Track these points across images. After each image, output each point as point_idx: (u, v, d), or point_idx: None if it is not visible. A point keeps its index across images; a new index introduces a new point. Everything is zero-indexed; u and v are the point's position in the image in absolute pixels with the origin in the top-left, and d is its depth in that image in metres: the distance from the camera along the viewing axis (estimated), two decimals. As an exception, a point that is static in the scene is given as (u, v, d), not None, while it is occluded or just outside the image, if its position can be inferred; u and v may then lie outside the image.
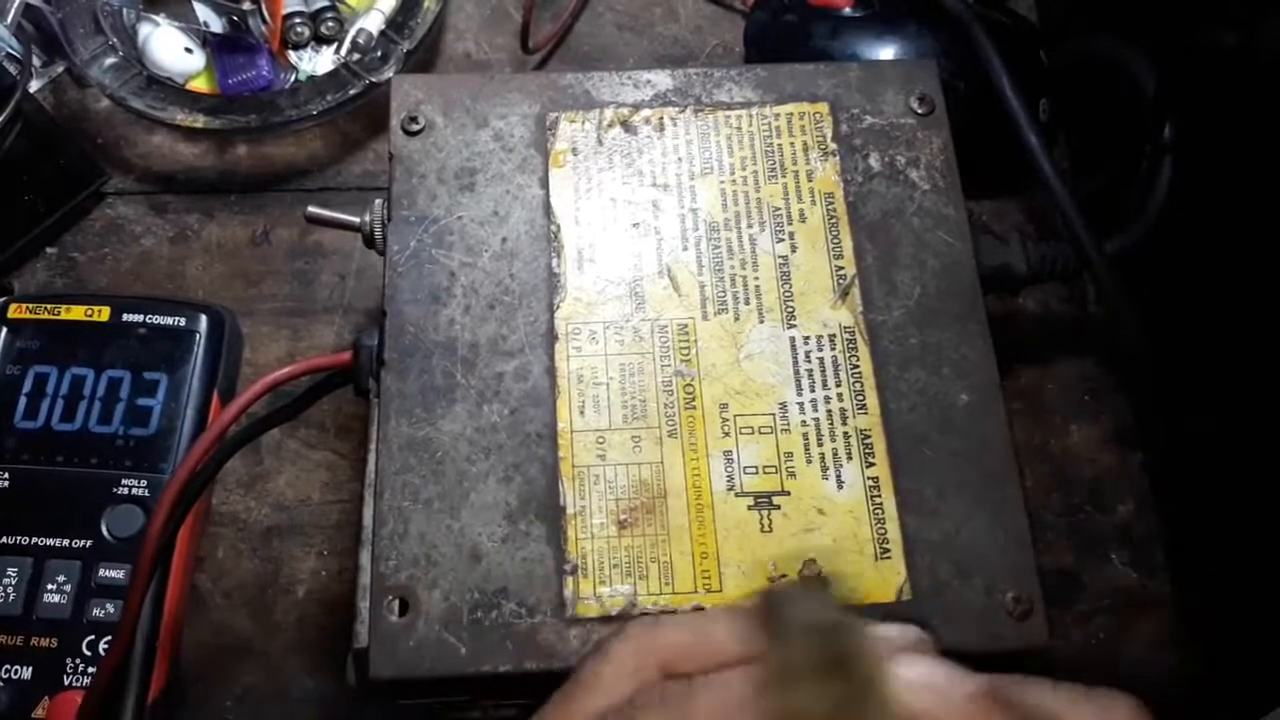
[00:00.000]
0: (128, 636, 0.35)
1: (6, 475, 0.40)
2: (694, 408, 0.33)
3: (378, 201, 0.37)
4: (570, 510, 0.31)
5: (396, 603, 0.30)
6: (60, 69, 0.52)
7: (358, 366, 0.35)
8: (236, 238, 0.49)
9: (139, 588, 0.35)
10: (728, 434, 0.33)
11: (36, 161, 0.46)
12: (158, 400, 0.42)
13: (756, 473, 0.32)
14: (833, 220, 0.36)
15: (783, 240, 0.36)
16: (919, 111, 0.38)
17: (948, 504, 0.32)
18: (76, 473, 0.40)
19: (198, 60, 0.50)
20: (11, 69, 0.44)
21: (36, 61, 0.51)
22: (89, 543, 0.39)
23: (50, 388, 0.42)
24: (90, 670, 0.37)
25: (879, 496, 0.32)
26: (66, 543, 0.39)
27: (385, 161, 0.38)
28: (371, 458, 0.33)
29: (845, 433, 0.33)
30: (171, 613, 0.39)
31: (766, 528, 0.31)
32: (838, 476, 0.32)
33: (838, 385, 0.33)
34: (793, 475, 0.32)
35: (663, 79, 0.38)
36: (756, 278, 0.35)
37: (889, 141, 0.37)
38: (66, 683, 0.37)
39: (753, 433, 0.33)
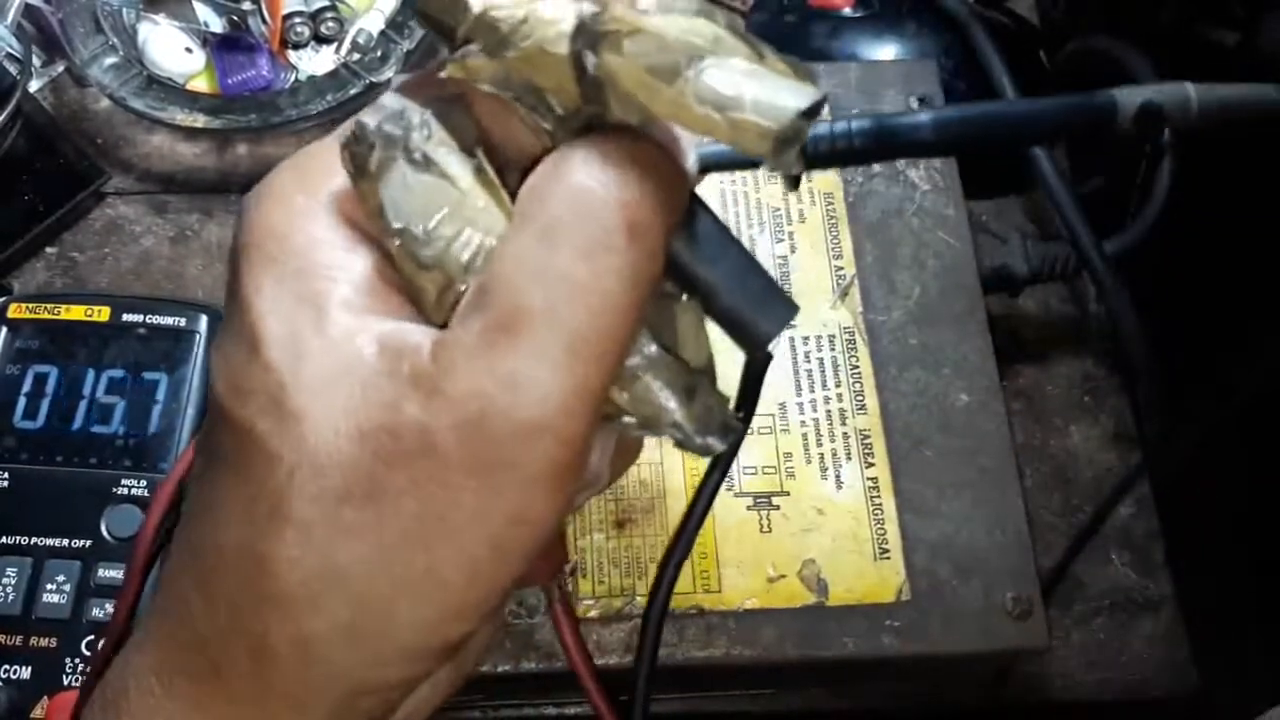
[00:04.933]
0: (119, 636, 0.35)
1: (6, 475, 0.40)
2: (693, 408, 0.33)
3: (377, 201, 0.37)
4: (569, 510, 0.31)
5: (395, 603, 0.30)
6: (60, 69, 0.52)
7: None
8: (236, 237, 0.49)
9: (133, 586, 0.34)
10: (727, 434, 0.33)
11: (36, 161, 0.46)
12: (157, 400, 0.42)
13: (756, 473, 0.32)
14: (832, 220, 0.36)
15: (782, 240, 0.36)
16: (919, 111, 0.38)
17: (947, 504, 0.32)
18: (76, 473, 0.40)
19: (198, 60, 0.50)
20: (11, 69, 0.44)
21: (36, 61, 0.51)
22: (89, 543, 0.39)
23: (50, 387, 0.42)
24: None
25: (878, 497, 0.32)
26: (66, 543, 0.39)
27: (385, 161, 0.38)
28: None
29: (845, 433, 0.33)
30: (171, 612, 0.39)
31: (765, 528, 0.31)
32: (837, 477, 0.32)
33: (837, 385, 0.33)
34: (792, 476, 0.32)
35: (662, 79, 0.38)
36: (756, 278, 0.35)
37: (889, 141, 0.37)
38: (66, 682, 0.37)
39: (752, 433, 0.33)
